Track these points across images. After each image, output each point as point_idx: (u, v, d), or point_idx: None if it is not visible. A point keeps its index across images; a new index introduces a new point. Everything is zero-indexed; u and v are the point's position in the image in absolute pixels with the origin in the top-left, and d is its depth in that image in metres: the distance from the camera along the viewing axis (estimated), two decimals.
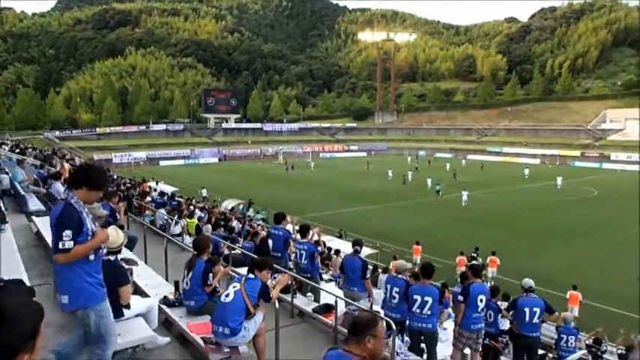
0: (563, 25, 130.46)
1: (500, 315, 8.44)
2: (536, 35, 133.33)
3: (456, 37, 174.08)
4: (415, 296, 6.46)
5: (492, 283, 18.29)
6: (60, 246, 3.28)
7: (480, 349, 7.59)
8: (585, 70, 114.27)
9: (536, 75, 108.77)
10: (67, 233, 3.28)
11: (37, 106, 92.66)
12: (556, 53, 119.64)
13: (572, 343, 8.61)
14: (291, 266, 8.83)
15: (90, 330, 3.51)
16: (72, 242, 3.29)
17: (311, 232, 8.97)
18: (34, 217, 8.75)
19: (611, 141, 74.70)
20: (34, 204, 10.02)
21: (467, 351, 7.08)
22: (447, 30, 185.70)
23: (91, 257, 3.46)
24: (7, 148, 25.04)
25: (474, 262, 16.41)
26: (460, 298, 6.84)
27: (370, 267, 10.87)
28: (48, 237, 7.34)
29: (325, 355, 2.90)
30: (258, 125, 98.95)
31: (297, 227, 9.39)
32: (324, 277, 11.61)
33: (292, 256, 9.02)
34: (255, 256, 8.12)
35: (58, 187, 11.21)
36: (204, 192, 37.40)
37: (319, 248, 9.38)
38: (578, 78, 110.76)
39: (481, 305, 6.84)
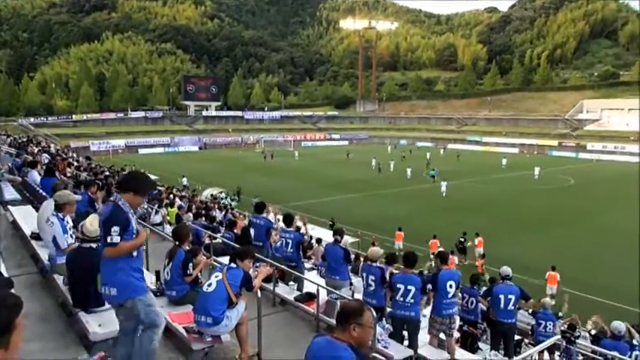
0: (542, 16, 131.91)
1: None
2: (516, 25, 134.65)
3: (437, 26, 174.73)
4: (398, 285, 6.55)
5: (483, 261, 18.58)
6: (108, 240, 3.65)
7: (455, 334, 7.75)
8: (563, 61, 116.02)
9: (515, 65, 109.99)
10: (115, 229, 3.64)
11: (10, 91, 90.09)
12: (535, 43, 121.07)
13: (550, 329, 8.83)
14: (277, 255, 8.84)
15: (140, 317, 3.89)
16: (119, 237, 3.64)
17: (297, 221, 9.02)
18: (9, 207, 8.55)
19: (587, 131, 76.22)
20: (9, 193, 9.79)
21: (442, 336, 7.23)
22: (428, 19, 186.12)
23: (134, 254, 3.84)
24: None
25: (439, 250, 16.66)
26: (429, 286, 6.99)
27: (352, 255, 10.96)
28: (25, 226, 7.21)
29: (312, 342, 2.91)
30: (239, 113, 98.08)
31: (279, 217, 9.40)
32: (306, 265, 11.66)
33: (276, 245, 9.03)
34: (237, 246, 8.12)
35: (34, 176, 10.97)
36: (184, 180, 37.03)
37: (305, 237, 9.44)
38: (556, 68, 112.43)
39: (451, 291, 6.96)
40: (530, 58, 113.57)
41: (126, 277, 3.77)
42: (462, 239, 21.40)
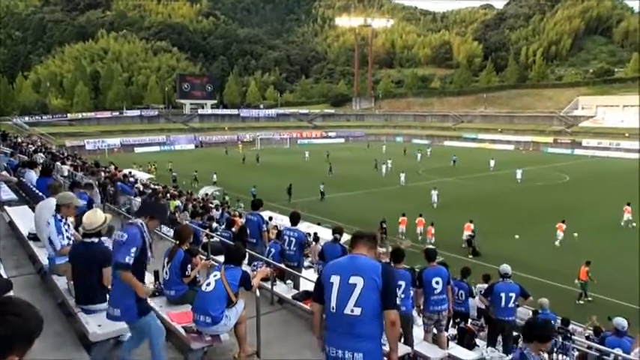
0: (537, 13, 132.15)
1: (470, 296, 8.68)
2: (512, 22, 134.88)
3: (433, 23, 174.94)
4: None
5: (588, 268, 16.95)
6: None
7: (452, 331, 7.81)
8: (559, 58, 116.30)
9: (511, 62, 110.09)
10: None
11: (4, 90, 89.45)
12: (530, 40, 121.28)
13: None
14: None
15: None
16: None
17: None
18: (6, 207, 8.53)
19: (582, 127, 76.40)
20: (5, 193, 9.77)
21: (435, 331, 7.32)
22: (424, 16, 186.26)
23: None
24: None
25: (426, 248, 16.68)
26: (416, 284, 7.09)
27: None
28: (22, 227, 7.20)
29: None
30: (235, 111, 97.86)
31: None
32: (304, 263, 11.68)
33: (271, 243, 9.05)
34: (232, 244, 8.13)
35: (31, 176, 10.93)
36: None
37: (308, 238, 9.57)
38: (551, 65, 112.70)
39: (438, 287, 7.04)
40: (526, 55, 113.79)
41: None
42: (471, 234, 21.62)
